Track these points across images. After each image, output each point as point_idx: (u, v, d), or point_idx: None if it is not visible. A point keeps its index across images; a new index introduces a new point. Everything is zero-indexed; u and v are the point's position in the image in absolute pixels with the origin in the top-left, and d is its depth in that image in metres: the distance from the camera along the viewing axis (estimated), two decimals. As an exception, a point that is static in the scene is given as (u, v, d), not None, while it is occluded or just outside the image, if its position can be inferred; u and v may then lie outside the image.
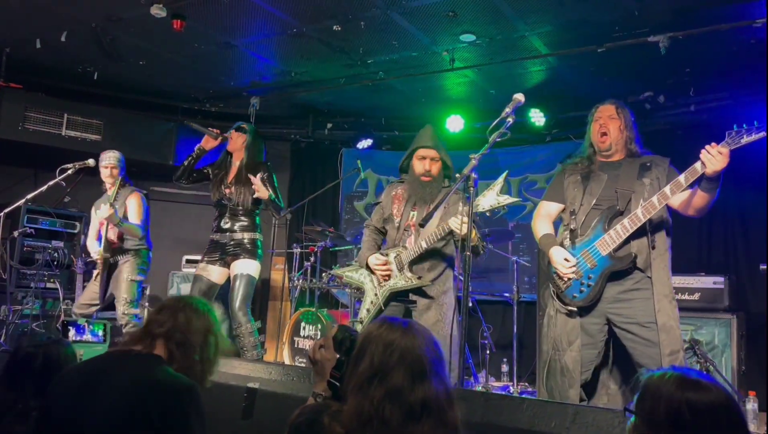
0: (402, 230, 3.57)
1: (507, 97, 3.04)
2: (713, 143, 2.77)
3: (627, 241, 2.99)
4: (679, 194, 2.94)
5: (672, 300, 2.99)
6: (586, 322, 3.06)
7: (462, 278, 2.82)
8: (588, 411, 1.86)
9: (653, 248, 3.00)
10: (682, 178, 2.88)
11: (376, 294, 3.56)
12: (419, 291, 3.48)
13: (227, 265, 4.36)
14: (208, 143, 4.52)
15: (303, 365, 5.30)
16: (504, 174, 3.11)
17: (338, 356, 1.75)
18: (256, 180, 4.24)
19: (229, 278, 4.39)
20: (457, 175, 2.88)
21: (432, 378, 1.45)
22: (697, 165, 2.83)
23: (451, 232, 3.30)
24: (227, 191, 4.37)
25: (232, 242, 4.35)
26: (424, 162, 3.51)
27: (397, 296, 3.55)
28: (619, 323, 3.00)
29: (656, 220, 3.05)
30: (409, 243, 3.51)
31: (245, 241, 4.34)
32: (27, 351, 2.40)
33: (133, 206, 4.77)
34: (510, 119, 2.94)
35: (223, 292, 4.53)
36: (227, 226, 4.38)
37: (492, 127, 2.93)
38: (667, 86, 5.53)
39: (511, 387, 5.45)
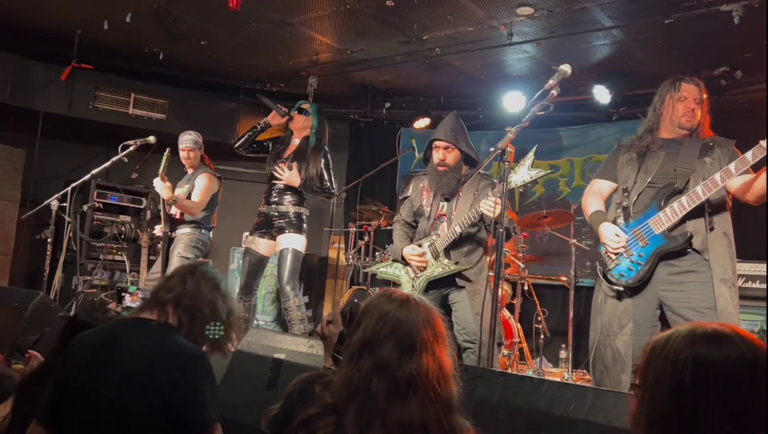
0: (433, 220, 3.56)
1: (571, 73, 2.87)
2: None
3: (683, 221, 2.82)
4: (741, 175, 2.73)
5: (732, 285, 2.77)
6: (637, 306, 2.89)
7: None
8: (609, 395, 1.75)
9: (711, 229, 2.81)
10: (749, 155, 2.66)
11: (413, 286, 3.53)
12: (461, 277, 3.41)
13: (273, 238, 4.43)
14: (274, 118, 4.62)
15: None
16: (534, 148, 2.98)
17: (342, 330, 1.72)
18: (284, 172, 4.35)
19: (276, 252, 4.44)
20: (492, 149, 2.77)
21: (424, 354, 1.39)
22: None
23: (482, 217, 3.24)
24: (282, 165, 4.42)
25: (277, 215, 4.41)
26: (438, 152, 3.58)
27: (434, 285, 3.50)
28: (672, 306, 2.81)
29: (715, 201, 2.84)
30: (442, 231, 3.48)
31: (291, 214, 4.40)
32: (83, 320, 2.48)
33: (199, 185, 4.89)
34: (554, 92, 2.80)
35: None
36: (275, 199, 4.45)
37: (534, 99, 2.81)
38: (743, 61, 5.15)
39: (566, 374, 5.29)
